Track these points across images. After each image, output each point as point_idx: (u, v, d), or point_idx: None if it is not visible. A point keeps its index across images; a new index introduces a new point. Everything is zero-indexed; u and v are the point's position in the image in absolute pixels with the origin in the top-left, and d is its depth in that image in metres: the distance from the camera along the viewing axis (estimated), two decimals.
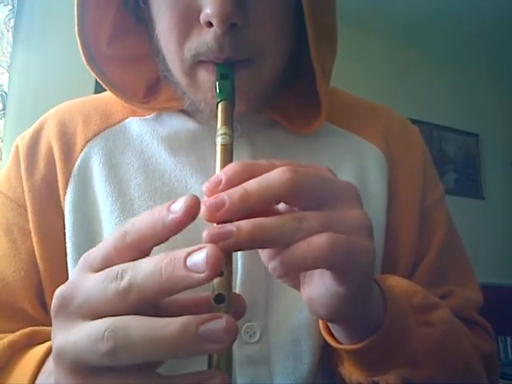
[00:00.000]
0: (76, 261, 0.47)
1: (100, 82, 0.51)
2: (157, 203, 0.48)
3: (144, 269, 0.26)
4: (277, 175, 0.29)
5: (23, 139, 0.53)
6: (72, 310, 0.27)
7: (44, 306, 0.49)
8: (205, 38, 0.43)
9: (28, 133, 0.54)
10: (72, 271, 0.48)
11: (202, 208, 0.28)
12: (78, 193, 0.50)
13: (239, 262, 0.47)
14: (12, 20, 1.84)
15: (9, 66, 1.81)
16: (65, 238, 0.49)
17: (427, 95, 2.87)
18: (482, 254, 2.48)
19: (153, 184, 0.49)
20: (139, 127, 0.53)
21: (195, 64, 0.45)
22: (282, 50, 0.47)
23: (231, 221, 0.28)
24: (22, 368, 0.39)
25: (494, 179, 3.08)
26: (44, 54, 1.89)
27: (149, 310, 0.27)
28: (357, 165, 0.53)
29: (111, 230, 0.48)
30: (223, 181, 0.29)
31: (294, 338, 0.46)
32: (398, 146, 0.56)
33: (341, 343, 0.40)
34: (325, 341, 0.42)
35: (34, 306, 0.49)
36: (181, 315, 0.25)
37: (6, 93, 1.80)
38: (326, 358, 0.47)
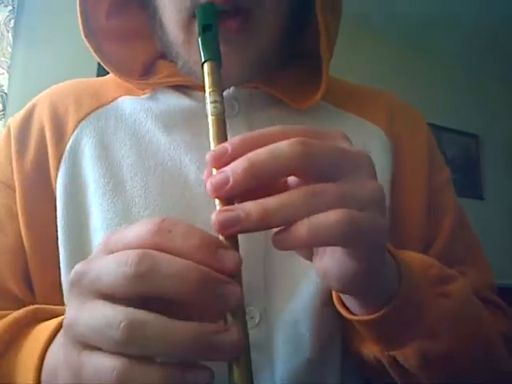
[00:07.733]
0: (66, 243, 0.47)
1: (96, 57, 0.50)
2: (149, 184, 0.47)
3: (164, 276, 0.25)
4: (287, 147, 0.27)
5: (14, 120, 0.53)
6: (84, 286, 0.27)
7: (30, 287, 0.49)
8: None
9: (19, 114, 0.53)
10: (62, 254, 0.47)
11: (207, 185, 0.28)
12: (70, 175, 0.49)
13: None
14: (12, 21, 1.84)
15: (9, 67, 1.81)
16: (53, 220, 0.48)
17: (427, 95, 2.87)
18: None
19: (145, 164, 0.48)
20: (132, 105, 0.52)
21: (192, 17, 0.45)
22: (282, 5, 0.47)
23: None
24: (33, 341, 0.38)
25: (494, 179, 3.07)
26: (44, 54, 1.89)
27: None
28: (360, 146, 0.53)
29: (102, 211, 0.47)
30: (229, 151, 0.28)
31: (294, 322, 0.45)
32: (403, 130, 0.55)
33: (355, 315, 0.39)
34: (327, 325, 0.42)
35: (20, 287, 0.48)
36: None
37: (5, 93, 1.80)
38: (328, 342, 0.46)
